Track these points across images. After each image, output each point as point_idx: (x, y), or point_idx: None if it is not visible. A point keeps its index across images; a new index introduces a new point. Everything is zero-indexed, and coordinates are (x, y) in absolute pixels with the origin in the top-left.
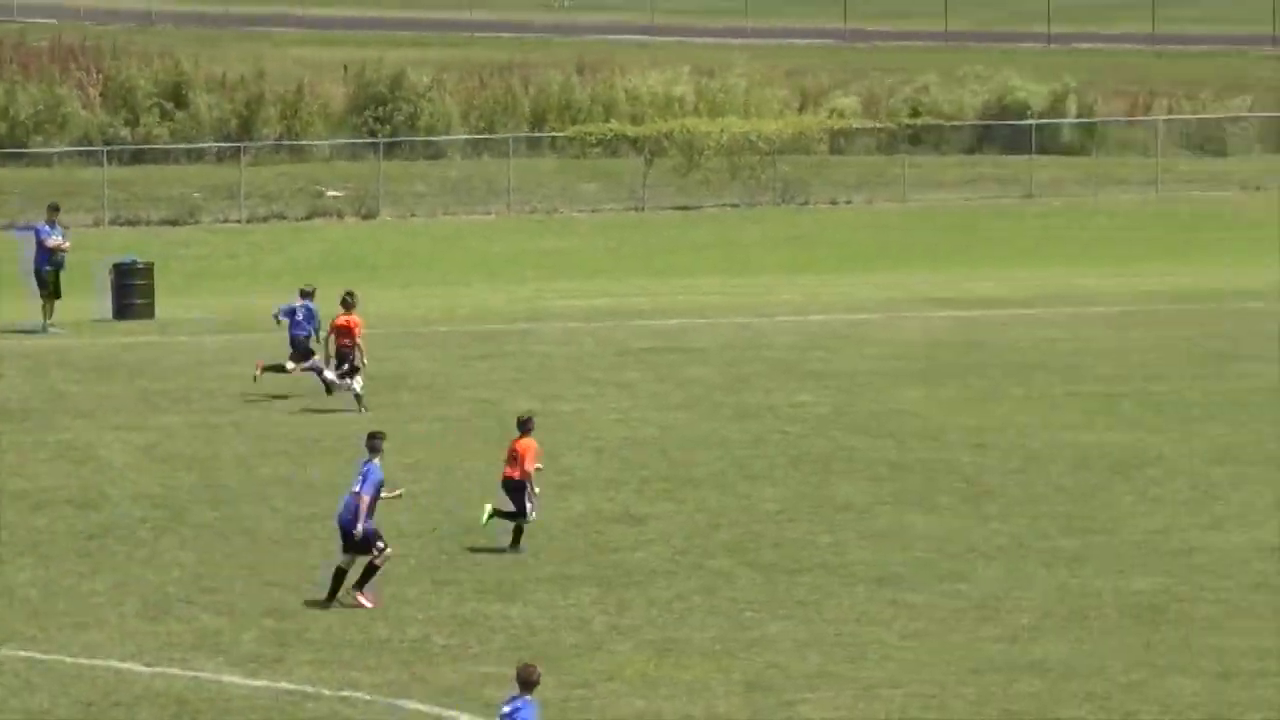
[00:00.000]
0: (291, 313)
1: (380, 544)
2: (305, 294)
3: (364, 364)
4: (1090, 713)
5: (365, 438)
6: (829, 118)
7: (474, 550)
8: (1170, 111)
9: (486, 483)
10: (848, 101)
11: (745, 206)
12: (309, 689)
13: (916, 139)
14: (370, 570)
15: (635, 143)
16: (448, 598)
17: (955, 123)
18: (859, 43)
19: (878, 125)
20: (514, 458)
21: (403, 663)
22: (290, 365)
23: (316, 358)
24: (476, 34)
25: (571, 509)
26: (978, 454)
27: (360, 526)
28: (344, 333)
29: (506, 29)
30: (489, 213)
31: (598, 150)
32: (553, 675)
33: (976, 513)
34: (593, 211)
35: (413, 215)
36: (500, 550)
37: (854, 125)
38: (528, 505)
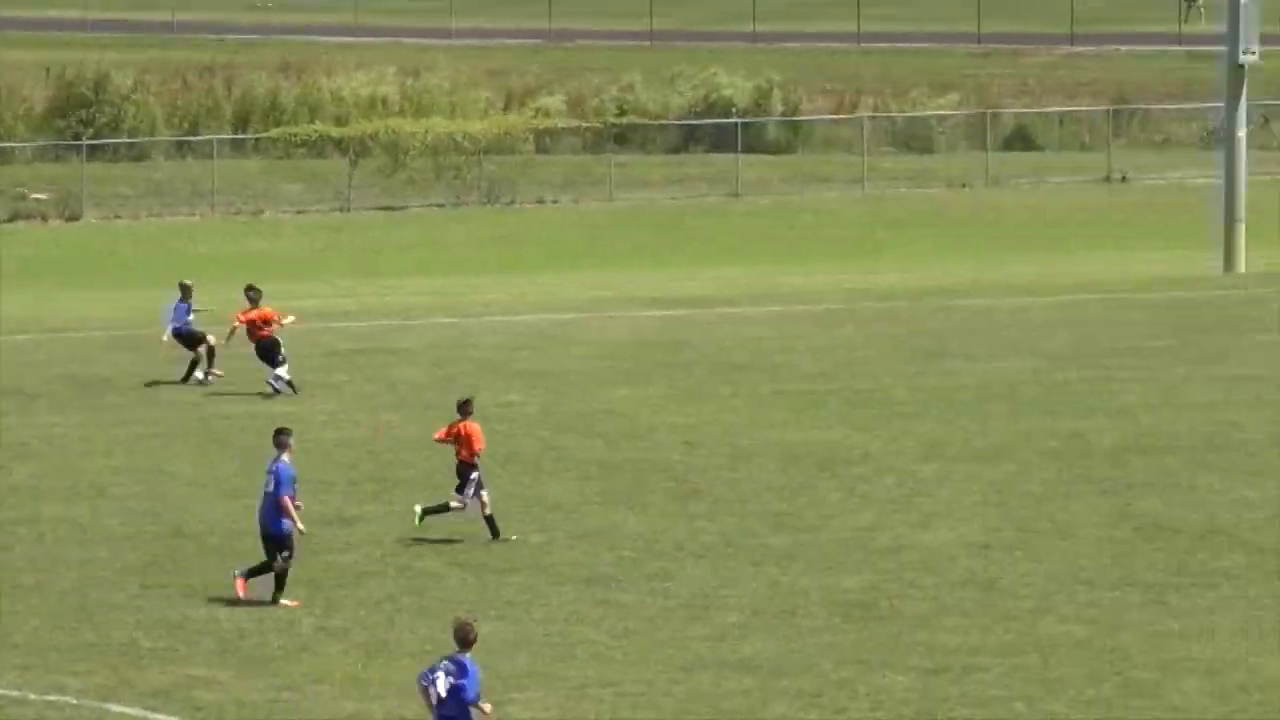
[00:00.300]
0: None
1: (286, 553)
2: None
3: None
4: (800, 710)
5: (273, 434)
6: (534, 117)
7: (181, 554)
8: (876, 109)
9: (194, 485)
10: (553, 101)
11: (451, 206)
12: (15, 693)
13: (622, 138)
14: (280, 579)
15: (340, 144)
16: (155, 601)
17: (661, 122)
18: (564, 42)
19: (583, 125)
20: (461, 440)
21: (110, 666)
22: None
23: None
24: (179, 35)
25: None
26: (686, 453)
27: (283, 525)
28: (261, 325)
29: (209, 30)
30: (194, 214)
31: (302, 151)
32: (261, 678)
33: (684, 511)
34: (298, 213)
35: (117, 217)
36: (205, 555)
37: (559, 125)
38: (469, 489)
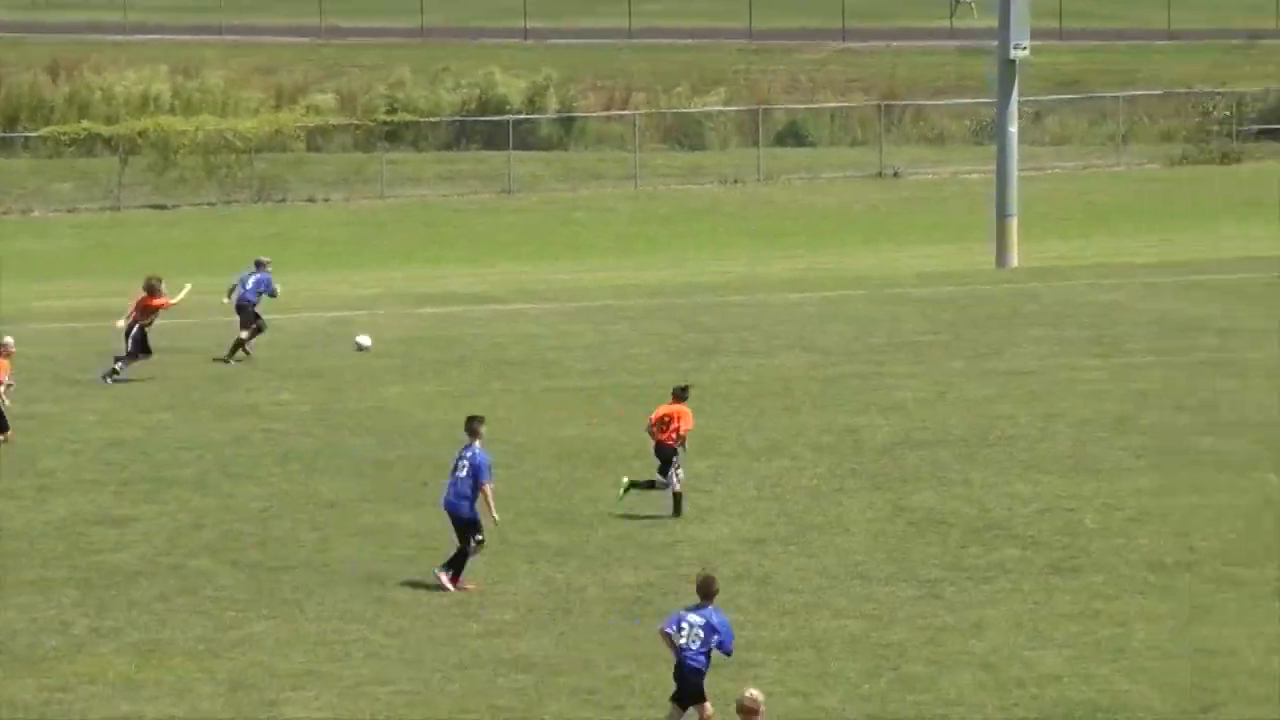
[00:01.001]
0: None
1: (479, 536)
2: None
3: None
4: (576, 707)
5: (465, 421)
6: (305, 115)
7: None
8: (648, 106)
9: None
10: (324, 99)
11: (222, 205)
12: None
13: (394, 136)
14: (462, 561)
15: (110, 142)
16: None
17: (433, 119)
18: (334, 39)
19: (355, 122)
20: (665, 423)
21: None
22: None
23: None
24: None
25: (52, 512)
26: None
27: (469, 509)
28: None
29: None
30: None
31: (72, 150)
32: (33, 678)
33: None
34: (69, 211)
35: None
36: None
37: (331, 122)
38: (674, 471)
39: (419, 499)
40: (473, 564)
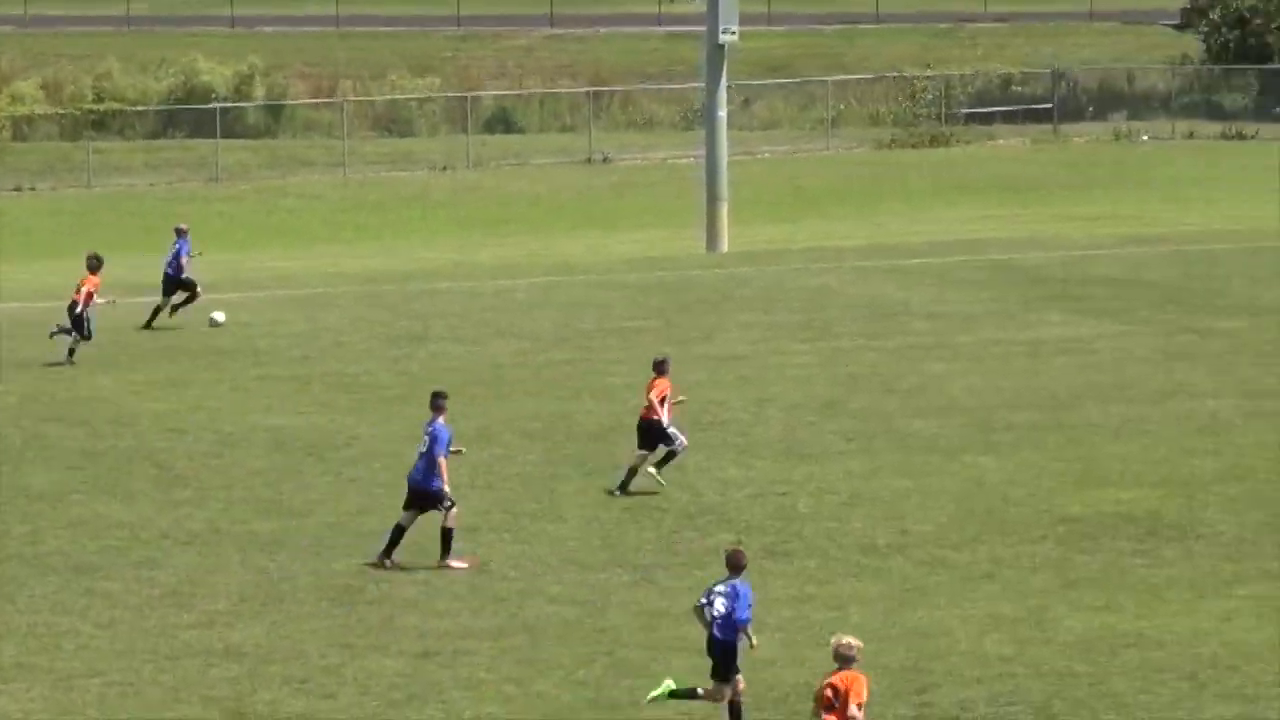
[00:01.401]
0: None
1: (447, 503)
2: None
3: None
4: (289, 695)
5: (430, 397)
6: (10, 104)
7: None
8: (356, 93)
9: None
10: (28, 87)
11: None
12: None
13: (101, 125)
14: (447, 535)
15: None
16: None
17: (140, 108)
18: (38, 28)
19: (60, 111)
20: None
21: None
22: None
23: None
24: None
25: None
26: (171, 439)
27: (435, 484)
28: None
29: None
30: None
31: None
32: None
33: (170, 499)
34: None
35: None
36: None
37: (36, 111)
38: (673, 436)
39: (129, 490)
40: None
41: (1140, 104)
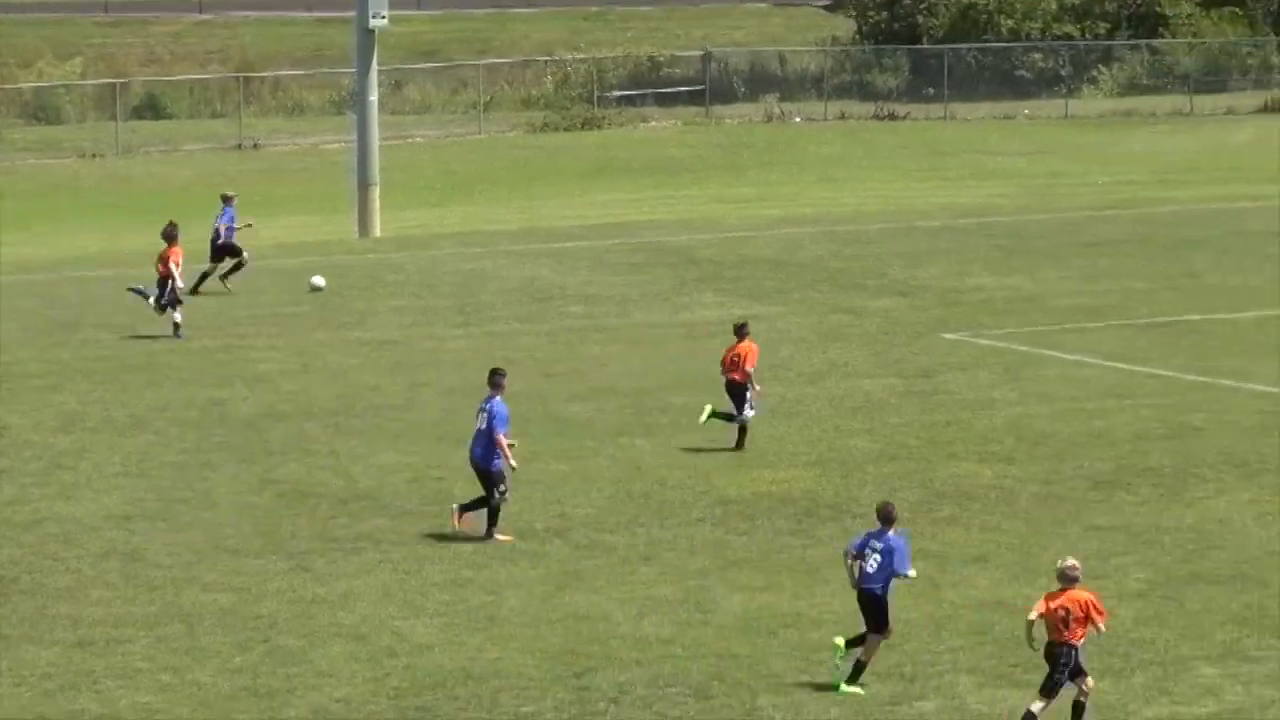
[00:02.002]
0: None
1: (503, 487)
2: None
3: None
4: None
5: (488, 374)
6: None
7: None
8: (3, 81)
9: None
10: None
11: None
12: None
13: None
14: (493, 513)
15: None
16: None
17: None
18: None
19: None
20: (734, 362)
21: None
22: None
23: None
24: None
25: None
26: None
27: (496, 464)
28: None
29: None
30: None
31: None
32: None
33: None
34: None
35: None
36: None
37: None
38: (746, 406)
39: None
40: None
41: (792, 85)
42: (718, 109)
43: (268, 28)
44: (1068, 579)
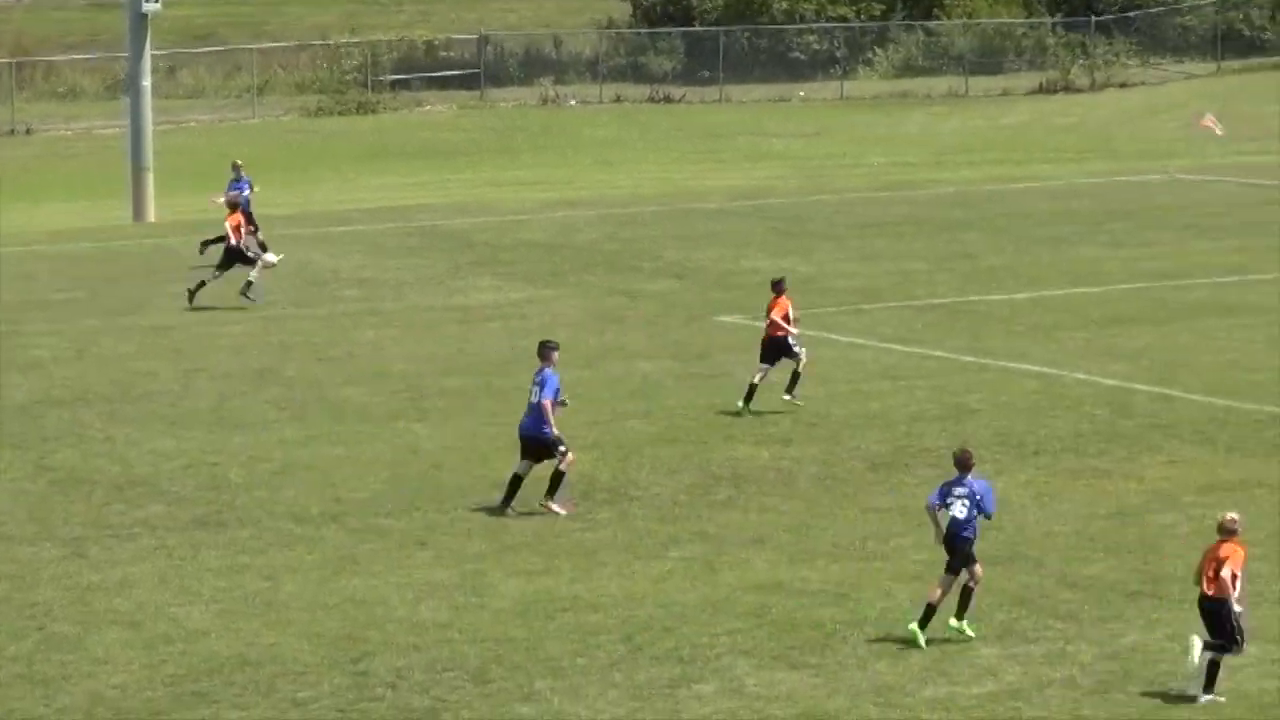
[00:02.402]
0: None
1: (562, 448)
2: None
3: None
4: None
5: (538, 346)
6: None
7: None
8: None
9: None
10: None
11: None
12: None
13: None
14: (558, 478)
15: None
16: None
17: None
18: None
19: None
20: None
21: None
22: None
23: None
24: None
25: None
26: None
27: (547, 431)
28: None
29: None
30: None
31: None
32: None
33: None
34: None
35: None
36: None
37: None
38: (797, 349)
39: None
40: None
41: (567, 68)
42: (493, 92)
43: (41, 12)
44: (1227, 531)
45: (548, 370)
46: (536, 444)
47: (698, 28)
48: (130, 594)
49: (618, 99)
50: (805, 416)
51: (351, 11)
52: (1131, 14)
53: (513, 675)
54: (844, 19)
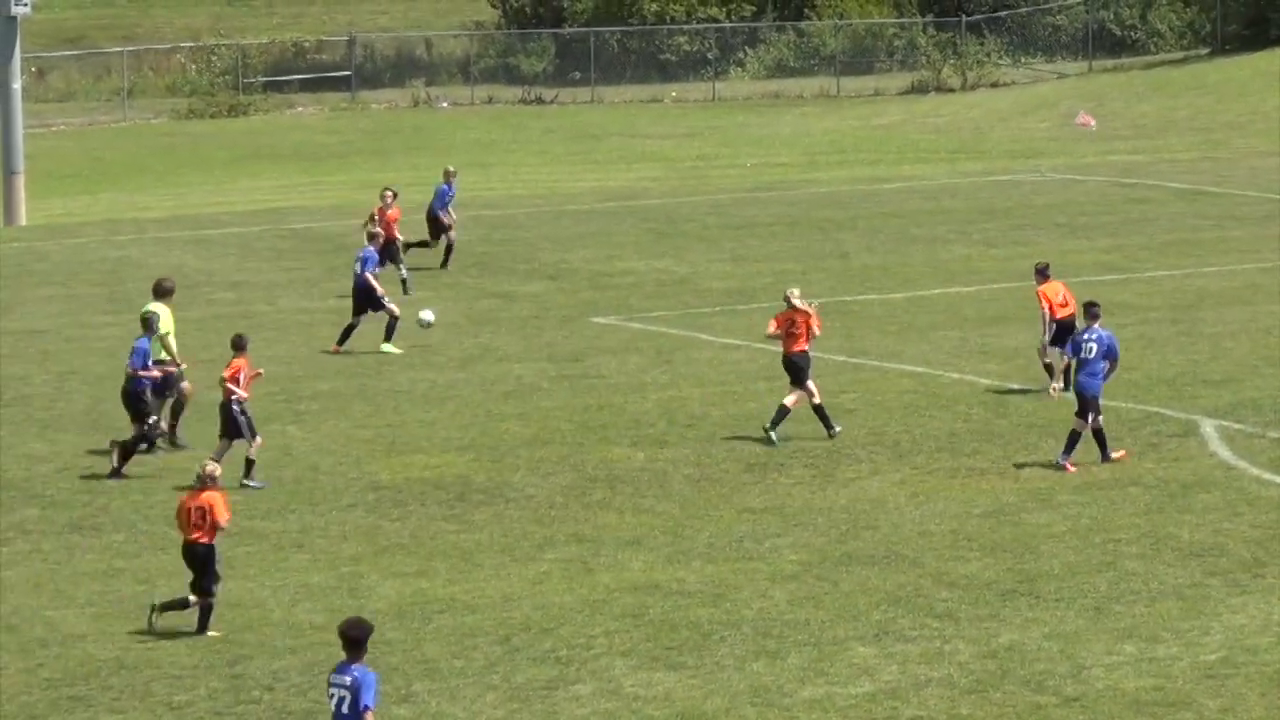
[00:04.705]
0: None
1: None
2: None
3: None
4: None
5: (1084, 307)
6: None
7: None
8: None
9: None
10: None
11: None
12: None
13: None
14: (1075, 439)
15: None
16: None
17: None
18: None
19: None
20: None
21: None
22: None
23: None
24: None
25: None
26: None
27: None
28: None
29: None
30: None
31: None
32: None
33: None
34: None
35: None
36: None
37: None
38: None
39: None
40: None
41: (439, 70)
42: (364, 94)
43: None
44: None
45: (1097, 328)
46: (1088, 401)
47: (568, 29)
48: (5, 598)
49: (490, 100)
50: (680, 418)
51: (222, 14)
52: (1002, 14)
53: (390, 677)
54: (715, 20)
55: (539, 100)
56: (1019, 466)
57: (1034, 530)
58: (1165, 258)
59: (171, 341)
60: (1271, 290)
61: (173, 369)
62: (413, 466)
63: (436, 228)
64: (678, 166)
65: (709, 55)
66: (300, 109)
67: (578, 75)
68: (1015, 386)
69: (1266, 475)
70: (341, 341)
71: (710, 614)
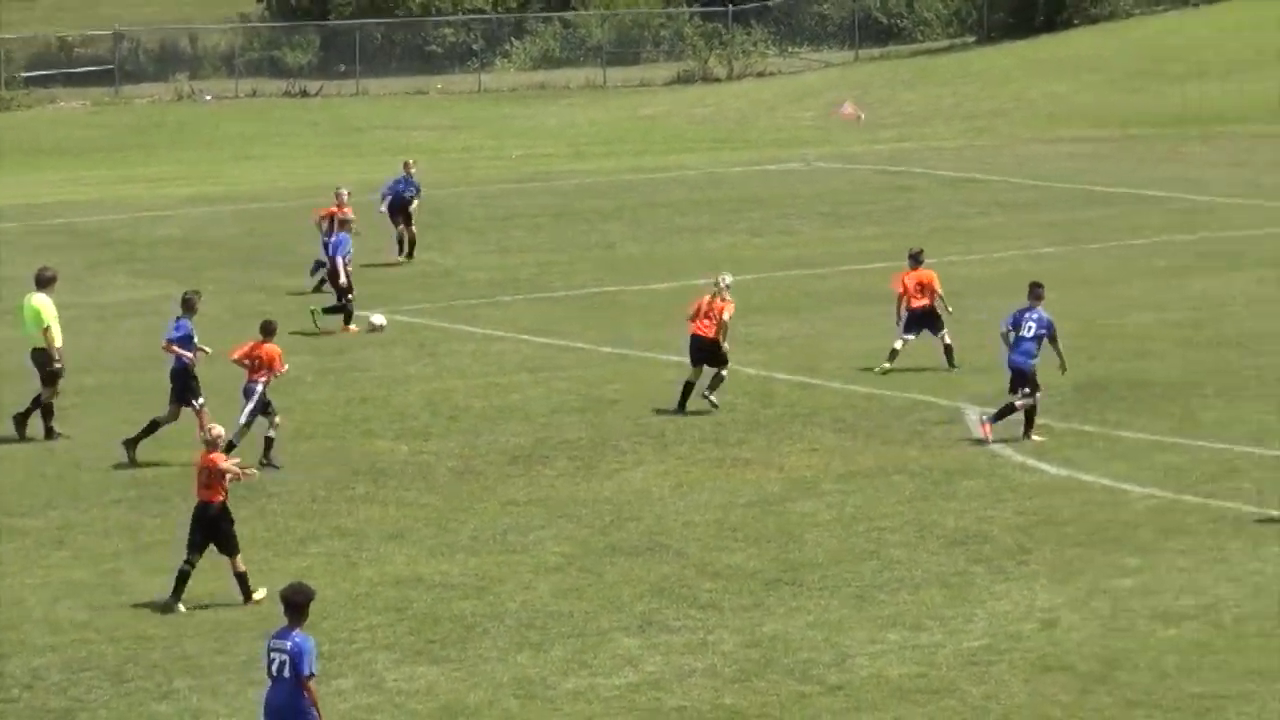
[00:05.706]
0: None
1: (1026, 389)
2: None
3: None
4: None
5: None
6: None
7: None
8: None
9: None
10: None
11: None
12: None
13: None
14: (1009, 410)
15: None
16: None
17: None
18: None
19: None
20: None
21: None
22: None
23: None
24: None
25: None
26: None
27: (1029, 364)
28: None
29: None
30: None
31: None
32: None
33: None
34: None
35: None
36: None
37: None
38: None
39: None
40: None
41: (203, 63)
42: (128, 89)
43: None
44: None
45: (1038, 310)
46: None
47: (333, 21)
48: None
49: (254, 94)
50: (444, 410)
51: None
52: (769, 3)
53: (151, 674)
54: (481, 11)
55: (303, 93)
56: (783, 456)
57: (798, 519)
58: (931, 245)
59: (55, 333)
60: (1036, 276)
61: (59, 364)
62: (175, 462)
63: (400, 218)
64: (443, 158)
65: (474, 47)
66: (62, 104)
67: (342, 68)
68: (780, 376)
69: (1030, 462)
70: (348, 322)
71: (474, 607)
